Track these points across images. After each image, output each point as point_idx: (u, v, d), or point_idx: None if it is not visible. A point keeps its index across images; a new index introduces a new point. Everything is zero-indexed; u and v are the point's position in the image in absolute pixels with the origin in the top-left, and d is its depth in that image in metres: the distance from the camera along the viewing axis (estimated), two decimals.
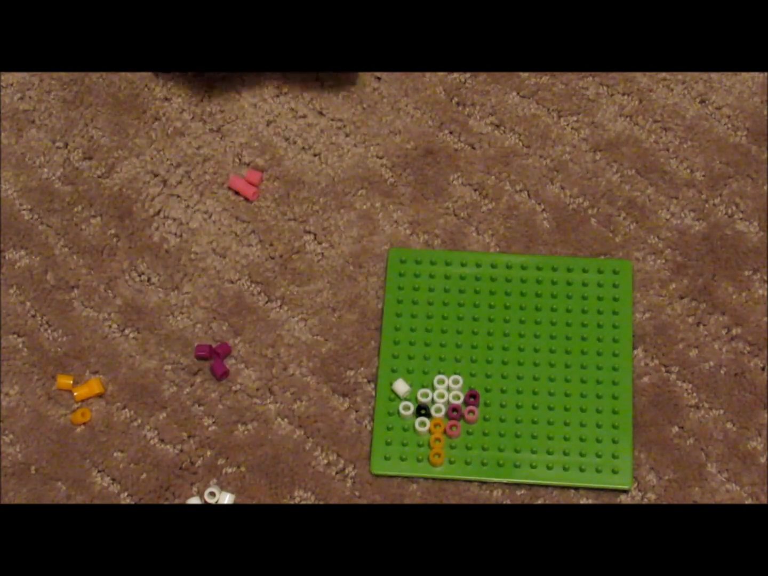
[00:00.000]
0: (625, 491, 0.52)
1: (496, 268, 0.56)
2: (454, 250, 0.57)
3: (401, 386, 0.54)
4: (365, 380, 0.55)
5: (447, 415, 0.53)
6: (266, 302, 0.57)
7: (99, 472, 0.54)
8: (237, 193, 0.59)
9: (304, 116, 0.60)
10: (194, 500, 0.53)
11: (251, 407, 0.55)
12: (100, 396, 0.55)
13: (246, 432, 0.54)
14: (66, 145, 0.61)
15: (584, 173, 0.59)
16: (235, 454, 0.54)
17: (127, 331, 0.56)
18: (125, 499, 0.53)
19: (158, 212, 0.59)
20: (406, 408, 0.53)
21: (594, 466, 0.52)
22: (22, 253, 0.58)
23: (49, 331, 0.56)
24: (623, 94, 0.60)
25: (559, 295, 0.56)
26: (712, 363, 0.54)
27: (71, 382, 0.55)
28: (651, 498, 0.52)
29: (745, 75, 0.57)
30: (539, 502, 0.52)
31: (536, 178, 0.59)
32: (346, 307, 0.56)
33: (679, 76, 0.58)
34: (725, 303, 0.56)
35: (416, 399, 0.54)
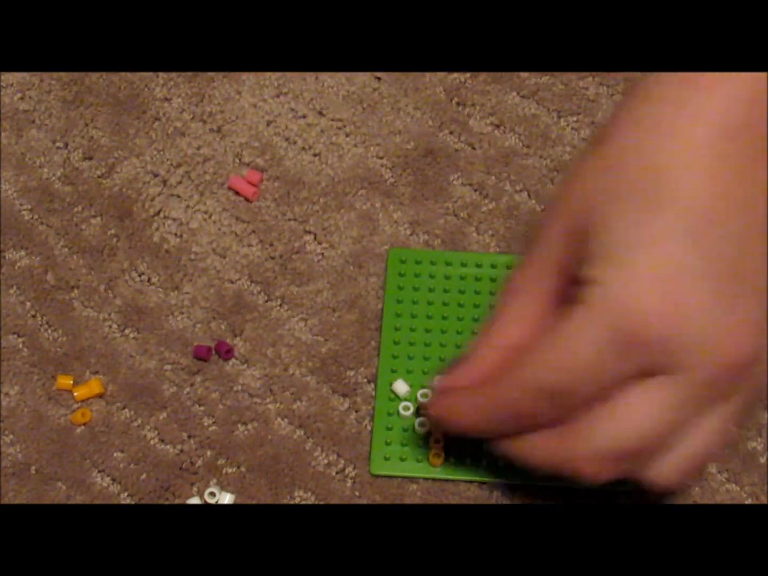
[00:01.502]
0: (625, 492, 0.52)
1: (496, 268, 0.56)
2: (454, 250, 0.57)
3: (401, 386, 0.54)
4: (365, 380, 0.55)
5: None
6: (266, 302, 0.57)
7: (99, 472, 0.54)
8: (237, 193, 0.59)
9: (304, 116, 0.61)
10: (194, 500, 0.53)
11: (251, 407, 0.55)
12: (100, 396, 0.55)
13: (246, 432, 0.54)
14: (66, 145, 0.61)
15: None
16: (235, 454, 0.54)
17: (127, 331, 0.56)
18: (125, 499, 0.53)
19: (158, 212, 0.59)
20: (406, 408, 0.53)
21: None
22: (22, 253, 0.58)
23: (49, 331, 0.56)
24: (623, 94, 0.60)
25: None
26: None
27: (71, 382, 0.55)
28: (651, 498, 0.52)
29: None
30: (539, 502, 0.52)
31: (536, 178, 0.59)
32: (346, 307, 0.56)
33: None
34: None
35: (416, 399, 0.54)
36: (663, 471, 0.43)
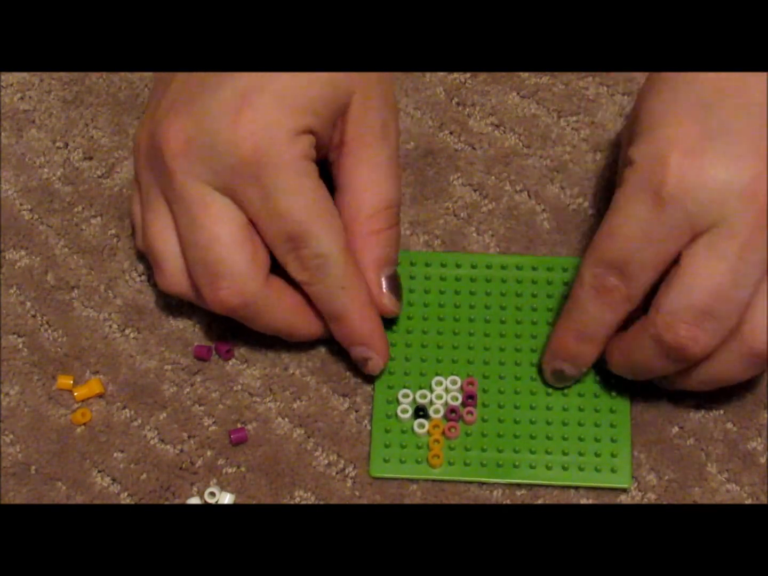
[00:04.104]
0: (624, 490, 0.52)
1: (491, 269, 0.56)
2: (454, 251, 0.57)
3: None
4: (365, 380, 0.55)
5: (445, 417, 0.53)
6: None
7: (99, 472, 0.54)
8: None
9: None
10: (194, 500, 0.53)
11: (251, 407, 0.55)
12: (100, 396, 0.55)
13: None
14: (66, 145, 0.61)
15: (584, 173, 0.59)
16: (235, 454, 0.54)
17: (127, 331, 0.56)
18: (125, 499, 0.53)
19: None
20: (404, 410, 0.53)
21: (593, 465, 0.52)
22: (22, 253, 0.58)
23: (49, 331, 0.56)
24: (623, 94, 0.60)
25: (555, 295, 0.56)
26: None
27: (71, 382, 0.55)
28: (651, 498, 0.52)
29: None
30: (539, 502, 0.52)
31: (536, 178, 0.59)
32: None
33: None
34: None
35: (414, 401, 0.54)
36: (756, 331, 0.46)
